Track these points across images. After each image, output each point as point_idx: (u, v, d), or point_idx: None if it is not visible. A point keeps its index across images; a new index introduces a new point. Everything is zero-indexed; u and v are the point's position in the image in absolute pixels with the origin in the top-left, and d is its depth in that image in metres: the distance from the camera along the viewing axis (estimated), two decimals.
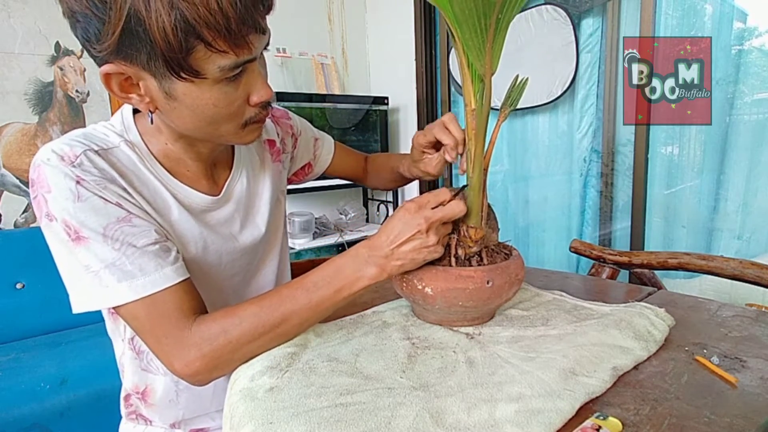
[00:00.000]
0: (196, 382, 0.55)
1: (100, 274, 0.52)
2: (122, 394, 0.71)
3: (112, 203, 0.54)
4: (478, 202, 0.59)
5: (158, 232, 0.56)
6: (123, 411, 0.73)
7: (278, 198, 0.80)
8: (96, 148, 0.56)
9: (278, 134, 0.81)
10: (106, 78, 0.51)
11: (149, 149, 0.62)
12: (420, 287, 0.59)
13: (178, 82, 0.50)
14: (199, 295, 0.58)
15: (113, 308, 0.54)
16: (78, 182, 0.52)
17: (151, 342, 0.55)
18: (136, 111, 0.63)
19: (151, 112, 0.56)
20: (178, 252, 0.58)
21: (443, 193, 0.57)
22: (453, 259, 0.60)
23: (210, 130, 0.57)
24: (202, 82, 0.50)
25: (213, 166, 0.69)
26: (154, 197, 0.60)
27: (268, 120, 0.80)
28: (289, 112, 0.86)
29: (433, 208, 0.56)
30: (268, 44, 0.55)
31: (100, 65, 0.51)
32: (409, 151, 0.78)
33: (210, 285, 0.67)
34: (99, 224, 0.52)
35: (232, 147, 0.72)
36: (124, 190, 0.56)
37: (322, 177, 0.98)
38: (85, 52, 1.91)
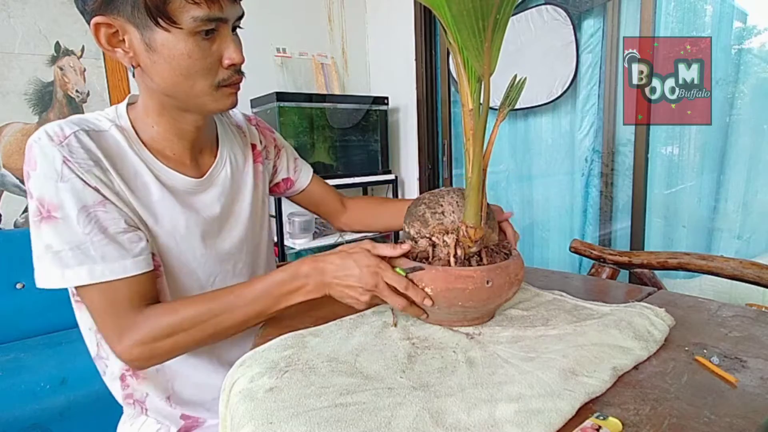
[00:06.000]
0: (133, 367, 0.63)
1: (62, 254, 0.56)
2: (117, 375, 0.72)
3: (90, 187, 0.58)
4: (477, 201, 0.59)
5: (128, 222, 0.61)
6: (120, 396, 0.74)
7: (263, 199, 0.84)
8: (87, 129, 0.61)
9: (261, 141, 0.86)
10: (96, 28, 0.57)
11: (138, 135, 0.66)
12: (420, 287, 0.59)
13: (158, 31, 0.56)
14: (154, 287, 0.63)
15: (72, 287, 0.60)
16: (64, 161, 0.56)
17: (99, 323, 0.60)
18: (128, 105, 0.69)
19: (134, 68, 0.61)
20: (146, 242, 0.62)
21: (401, 280, 0.59)
22: (453, 259, 0.60)
23: (186, 87, 0.61)
24: (178, 33, 0.56)
25: (199, 152, 0.73)
26: (135, 180, 0.64)
27: (252, 128, 0.86)
28: (274, 130, 0.93)
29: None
30: (240, 18, 0.62)
31: (90, 19, 0.57)
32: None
33: (190, 269, 0.70)
34: (75, 206, 0.57)
35: (217, 137, 0.77)
36: (106, 172, 0.60)
37: (323, 177, 0.97)
38: (84, 51, 1.90)
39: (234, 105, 0.66)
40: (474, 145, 0.57)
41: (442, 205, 0.64)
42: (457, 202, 0.64)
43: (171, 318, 0.59)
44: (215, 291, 0.63)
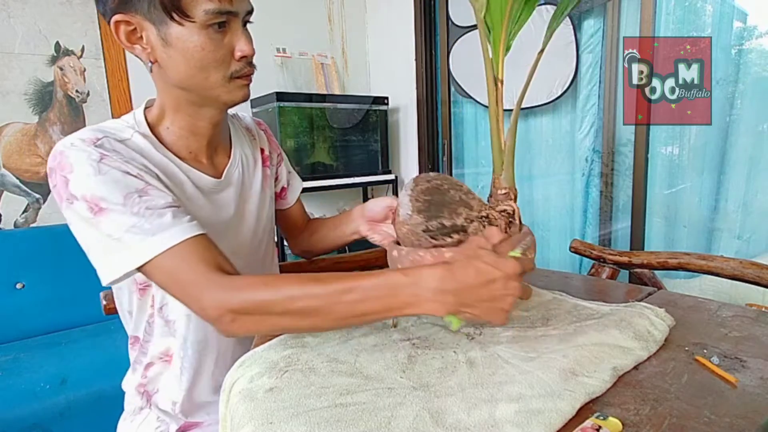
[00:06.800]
0: (222, 325, 0.54)
1: (123, 238, 0.55)
2: (146, 362, 0.73)
3: (132, 175, 0.58)
4: (513, 164, 0.62)
5: (174, 201, 0.60)
6: (134, 383, 0.74)
7: (269, 204, 0.85)
8: (113, 138, 0.62)
9: (268, 146, 0.87)
10: (116, 26, 0.60)
11: (158, 139, 0.67)
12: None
13: (172, 26, 0.59)
14: (219, 251, 0.59)
15: (139, 269, 0.56)
16: (101, 159, 0.57)
17: (178, 292, 0.56)
18: (145, 109, 0.70)
19: (152, 63, 0.63)
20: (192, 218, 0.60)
21: (525, 263, 0.52)
22: (519, 221, 0.63)
23: (200, 79, 0.63)
24: (192, 26, 0.59)
25: (214, 151, 0.74)
26: (171, 176, 0.65)
27: (261, 132, 0.87)
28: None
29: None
30: (250, 13, 0.65)
31: (110, 17, 0.60)
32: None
33: None
34: (119, 194, 0.56)
35: (230, 138, 0.78)
36: (146, 165, 0.61)
37: (321, 178, 0.97)
38: (84, 51, 1.90)
39: (246, 97, 0.68)
40: (499, 116, 0.61)
41: (462, 186, 0.62)
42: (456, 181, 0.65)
43: (267, 292, 0.53)
44: (319, 277, 0.54)
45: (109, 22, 0.61)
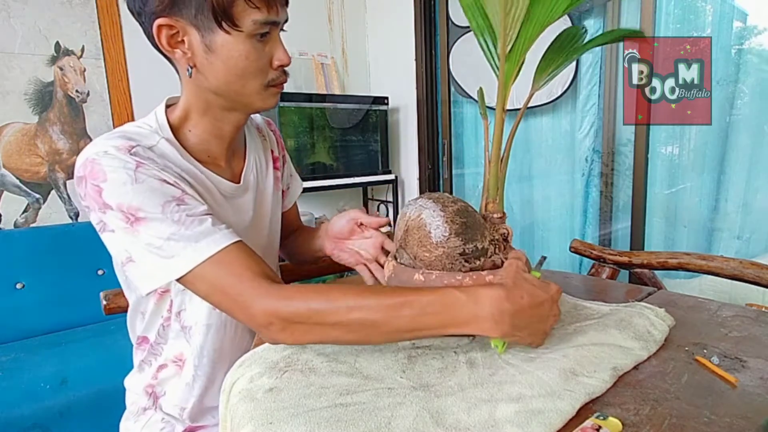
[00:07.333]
0: (270, 333, 0.54)
1: (163, 247, 0.55)
2: (159, 363, 0.72)
3: (169, 183, 0.58)
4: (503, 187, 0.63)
5: (209, 209, 0.60)
6: (141, 384, 0.73)
7: (279, 204, 0.84)
8: (142, 145, 0.60)
9: (277, 148, 0.86)
10: (158, 30, 0.59)
11: (180, 143, 0.66)
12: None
13: (219, 33, 0.59)
14: (264, 260, 0.58)
15: (179, 279, 0.55)
16: (137, 167, 0.56)
17: (223, 299, 0.55)
18: (167, 107, 0.69)
19: (191, 68, 0.62)
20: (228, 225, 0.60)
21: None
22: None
23: (238, 86, 0.63)
24: (238, 35, 0.59)
25: (232, 154, 0.74)
26: (200, 183, 0.65)
27: (271, 133, 0.86)
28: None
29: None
30: (286, 21, 0.65)
31: (151, 22, 0.59)
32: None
33: None
34: (157, 203, 0.56)
35: (245, 143, 0.77)
36: (178, 174, 0.61)
37: (321, 178, 0.96)
38: (84, 51, 1.89)
39: (276, 104, 0.69)
40: (501, 144, 0.61)
41: (471, 206, 0.62)
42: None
43: (320, 304, 0.52)
44: (373, 292, 0.53)
45: (148, 26, 0.59)
